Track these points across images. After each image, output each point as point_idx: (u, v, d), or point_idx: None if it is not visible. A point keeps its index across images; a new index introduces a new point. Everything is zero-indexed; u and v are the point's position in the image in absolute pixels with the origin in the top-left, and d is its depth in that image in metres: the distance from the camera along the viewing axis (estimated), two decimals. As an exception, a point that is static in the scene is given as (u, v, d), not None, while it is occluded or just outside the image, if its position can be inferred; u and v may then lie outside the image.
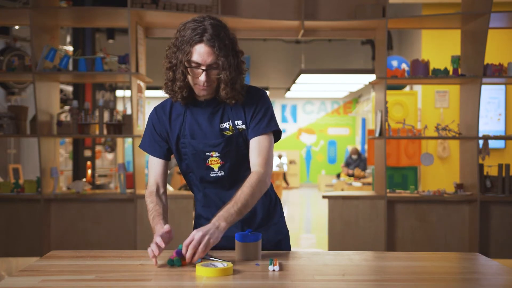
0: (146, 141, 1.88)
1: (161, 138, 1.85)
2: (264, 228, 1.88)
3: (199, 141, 1.79)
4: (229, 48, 1.71)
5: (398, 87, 6.57)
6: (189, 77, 1.73)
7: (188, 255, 1.55)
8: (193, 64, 1.69)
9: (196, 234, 1.56)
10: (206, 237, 1.56)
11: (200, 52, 1.67)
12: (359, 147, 12.60)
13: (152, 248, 1.58)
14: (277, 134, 1.85)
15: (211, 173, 1.81)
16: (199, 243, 1.55)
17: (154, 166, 1.87)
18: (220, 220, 1.63)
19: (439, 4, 6.58)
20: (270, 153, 1.80)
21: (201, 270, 1.49)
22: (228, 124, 1.80)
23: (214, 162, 1.79)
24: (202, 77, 1.70)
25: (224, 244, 1.76)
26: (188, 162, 1.83)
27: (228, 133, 1.79)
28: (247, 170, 1.81)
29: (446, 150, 6.63)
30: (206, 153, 1.79)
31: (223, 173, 1.81)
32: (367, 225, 4.25)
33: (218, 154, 1.79)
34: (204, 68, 1.69)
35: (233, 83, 1.73)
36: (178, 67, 1.71)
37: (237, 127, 1.80)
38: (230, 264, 1.52)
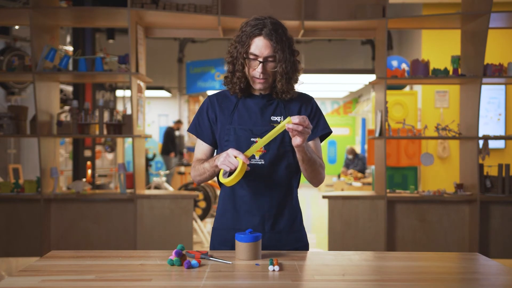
0: (194, 125, 1.95)
1: (210, 123, 1.90)
2: (287, 232, 1.88)
3: (245, 127, 1.84)
4: (286, 45, 1.81)
5: (398, 87, 6.57)
6: (247, 70, 1.81)
7: (295, 127, 1.61)
8: (251, 56, 1.79)
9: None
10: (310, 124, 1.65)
11: (258, 45, 1.78)
12: (359, 147, 12.59)
13: (230, 160, 1.66)
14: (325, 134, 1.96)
15: (252, 159, 1.82)
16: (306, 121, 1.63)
17: (201, 146, 1.93)
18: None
19: (439, 4, 6.58)
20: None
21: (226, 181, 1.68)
22: (280, 118, 1.86)
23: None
24: (259, 69, 1.78)
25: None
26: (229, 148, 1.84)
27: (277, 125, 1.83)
28: (285, 169, 1.84)
29: (446, 150, 6.63)
30: (251, 139, 1.82)
31: (263, 162, 1.83)
32: (367, 225, 4.25)
33: None
34: (261, 60, 1.78)
35: (289, 77, 1.81)
36: (238, 59, 1.80)
37: None
38: (240, 161, 1.65)
